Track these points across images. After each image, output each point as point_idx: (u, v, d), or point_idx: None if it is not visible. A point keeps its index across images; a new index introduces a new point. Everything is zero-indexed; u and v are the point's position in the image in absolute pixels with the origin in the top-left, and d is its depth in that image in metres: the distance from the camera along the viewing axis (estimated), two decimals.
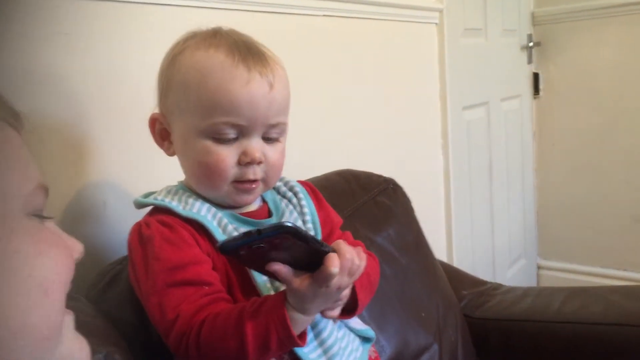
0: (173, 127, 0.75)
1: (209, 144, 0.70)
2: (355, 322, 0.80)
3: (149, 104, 0.79)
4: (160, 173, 0.92)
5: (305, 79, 1.34)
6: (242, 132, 0.71)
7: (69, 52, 0.87)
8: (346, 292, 0.68)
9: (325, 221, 0.83)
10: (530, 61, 2.46)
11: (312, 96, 1.37)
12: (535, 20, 2.47)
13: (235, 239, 0.57)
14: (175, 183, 0.79)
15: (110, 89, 0.93)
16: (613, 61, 2.31)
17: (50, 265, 0.42)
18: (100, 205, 0.94)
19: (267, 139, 0.73)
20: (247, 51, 0.71)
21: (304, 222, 0.80)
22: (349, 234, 0.87)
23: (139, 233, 0.71)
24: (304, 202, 0.81)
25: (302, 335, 0.65)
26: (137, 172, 0.97)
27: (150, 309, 0.68)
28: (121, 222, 0.92)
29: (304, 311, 0.63)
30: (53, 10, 0.86)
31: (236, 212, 0.76)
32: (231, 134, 0.70)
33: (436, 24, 1.83)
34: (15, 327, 0.39)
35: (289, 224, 0.56)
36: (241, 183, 0.72)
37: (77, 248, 0.48)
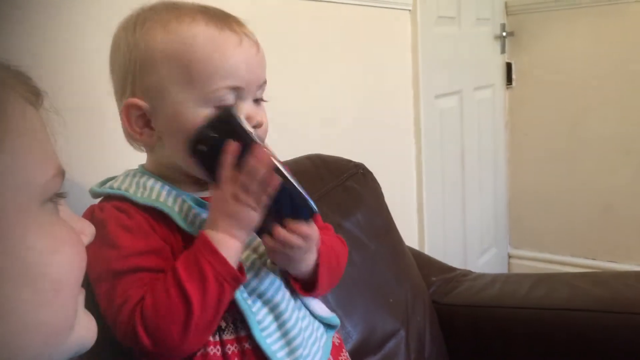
0: (158, 108, 0.69)
1: (211, 112, 0.67)
2: (321, 308, 0.78)
3: (100, 89, 0.76)
4: (113, 160, 0.89)
5: (276, 63, 1.31)
6: (239, 96, 0.68)
7: (13, 34, 0.84)
8: (298, 243, 0.67)
9: None
10: (503, 51, 2.47)
11: (283, 81, 1.35)
12: (508, 10, 2.47)
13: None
14: (136, 167, 0.76)
15: (58, 74, 0.90)
16: (585, 51, 2.33)
17: (64, 264, 0.41)
18: None
19: (255, 101, 0.71)
20: (224, 15, 0.69)
21: None
22: (318, 216, 0.84)
23: (91, 217, 0.68)
24: None
25: (240, 269, 0.65)
26: (90, 159, 0.94)
27: (100, 296, 0.65)
28: (75, 208, 0.89)
29: (216, 227, 0.64)
30: None
31: (199, 195, 0.72)
32: (231, 99, 0.67)
33: (409, 10, 1.82)
34: (27, 323, 0.39)
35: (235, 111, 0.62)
36: None
37: (88, 231, 0.48)
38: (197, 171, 0.68)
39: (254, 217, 0.64)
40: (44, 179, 0.41)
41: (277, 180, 0.63)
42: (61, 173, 0.44)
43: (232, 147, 0.63)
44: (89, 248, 0.67)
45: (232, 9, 0.73)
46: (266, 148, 0.64)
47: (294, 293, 0.74)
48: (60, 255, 0.41)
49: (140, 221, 0.67)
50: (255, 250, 0.72)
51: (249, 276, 0.69)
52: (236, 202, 0.63)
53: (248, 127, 0.65)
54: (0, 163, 0.38)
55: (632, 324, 1.03)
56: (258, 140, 0.64)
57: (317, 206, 0.87)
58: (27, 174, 0.40)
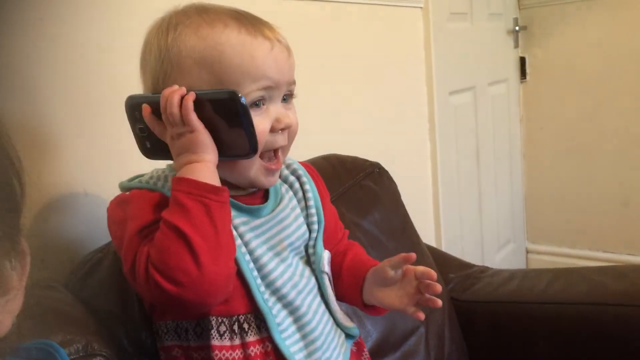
0: None
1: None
2: (344, 318, 0.79)
3: (127, 91, 0.78)
4: (140, 160, 0.91)
5: None
6: (269, 96, 0.69)
7: (43, 38, 0.86)
8: None
9: (327, 210, 0.81)
10: (516, 45, 2.46)
11: (297, 82, 1.36)
12: (521, 4, 2.46)
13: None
14: (164, 166, 0.76)
15: (87, 76, 0.92)
16: (599, 44, 2.31)
17: None
18: (81, 193, 0.92)
19: (284, 100, 0.72)
20: (256, 21, 0.70)
21: (307, 207, 0.77)
22: (340, 225, 0.87)
23: (119, 198, 0.70)
24: (307, 187, 0.79)
25: (218, 190, 0.64)
26: (117, 159, 0.96)
27: (126, 271, 0.66)
28: (103, 210, 0.90)
29: (179, 168, 0.66)
30: None
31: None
32: (259, 97, 0.68)
33: (421, 8, 1.82)
34: None
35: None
36: (268, 162, 0.71)
37: None
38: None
39: (197, 136, 0.65)
40: None
41: (182, 90, 0.65)
42: None
43: (146, 112, 0.67)
44: (117, 225, 0.67)
45: (251, 10, 0.74)
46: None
47: (322, 301, 0.76)
48: None
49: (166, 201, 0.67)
50: (281, 257, 0.72)
51: (271, 278, 0.70)
52: (174, 139, 0.66)
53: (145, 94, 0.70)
54: None
55: None
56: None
57: (334, 206, 0.88)
58: None
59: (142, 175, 0.75)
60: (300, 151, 1.19)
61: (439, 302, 0.73)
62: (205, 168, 0.65)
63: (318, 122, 1.44)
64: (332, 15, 1.48)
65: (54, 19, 0.87)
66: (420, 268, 0.72)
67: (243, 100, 0.64)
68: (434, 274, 0.72)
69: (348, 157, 1.22)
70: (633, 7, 2.22)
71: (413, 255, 0.71)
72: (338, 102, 1.52)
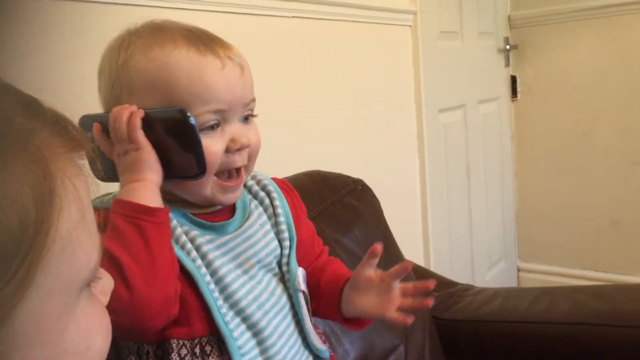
0: None
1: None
2: (318, 341, 0.77)
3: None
4: None
5: (276, 81, 1.33)
6: (223, 118, 0.68)
7: (24, 53, 0.86)
8: None
9: (299, 225, 0.79)
10: (507, 64, 2.47)
11: (283, 98, 1.36)
12: (511, 23, 2.48)
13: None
14: None
15: (69, 91, 0.92)
16: (589, 63, 2.33)
17: (95, 355, 0.37)
18: None
19: (244, 119, 0.70)
20: (208, 39, 0.68)
21: (277, 223, 0.76)
22: (318, 241, 0.86)
23: None
24: (277, 203, 0.77)
25: (154, 210, 0.62)
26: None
27: None
28: None
29: (121, 187, 0.65)
30: (7, 10, 0.85)
31: (190, 212, 0.71)
32: (213, 121, 0.67)
33: (410, 26, 1.83)
34: None
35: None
36: (226, 180, 0.69)
37: (108, 287, 0.44)
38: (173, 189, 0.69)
39: (142, 155, 0.64)
40: (90, 270, 0.36)
41: (132, 108, 0.65)
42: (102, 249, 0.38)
43: (96, 129, 0.67)
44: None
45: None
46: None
47: (292, 321, 0.74)
48: (91, 351, 0.37)
49: None
50: (249, 274, 0.71)
51: (235, 298, 0.69)
52: (119, 156, 0.65)
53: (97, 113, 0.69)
54: (46, 272, 0.32)
55: (632, 338, 1.02)
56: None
57: (315, 223, 0.88)
58: (73, 273, 0.34)
59: (110, 194, 0.74)
60: (287, 167, 1.19)
61: (430, 302, 0.72)
62: (145, 188, 0.63)
63: (306, 139, 1.44)
64: (318, 32, 1.49)
65: (34, 35, 0.88)
66: (394, 268, 0.71)
67: (192, 119, 0.63)
68: (407, 264, 0.70)
69: (331, 173, 1.22)
70: (623, 25, 2.24)
71: (378, 247, 0.72)
72: (326, 120, 1.52)
